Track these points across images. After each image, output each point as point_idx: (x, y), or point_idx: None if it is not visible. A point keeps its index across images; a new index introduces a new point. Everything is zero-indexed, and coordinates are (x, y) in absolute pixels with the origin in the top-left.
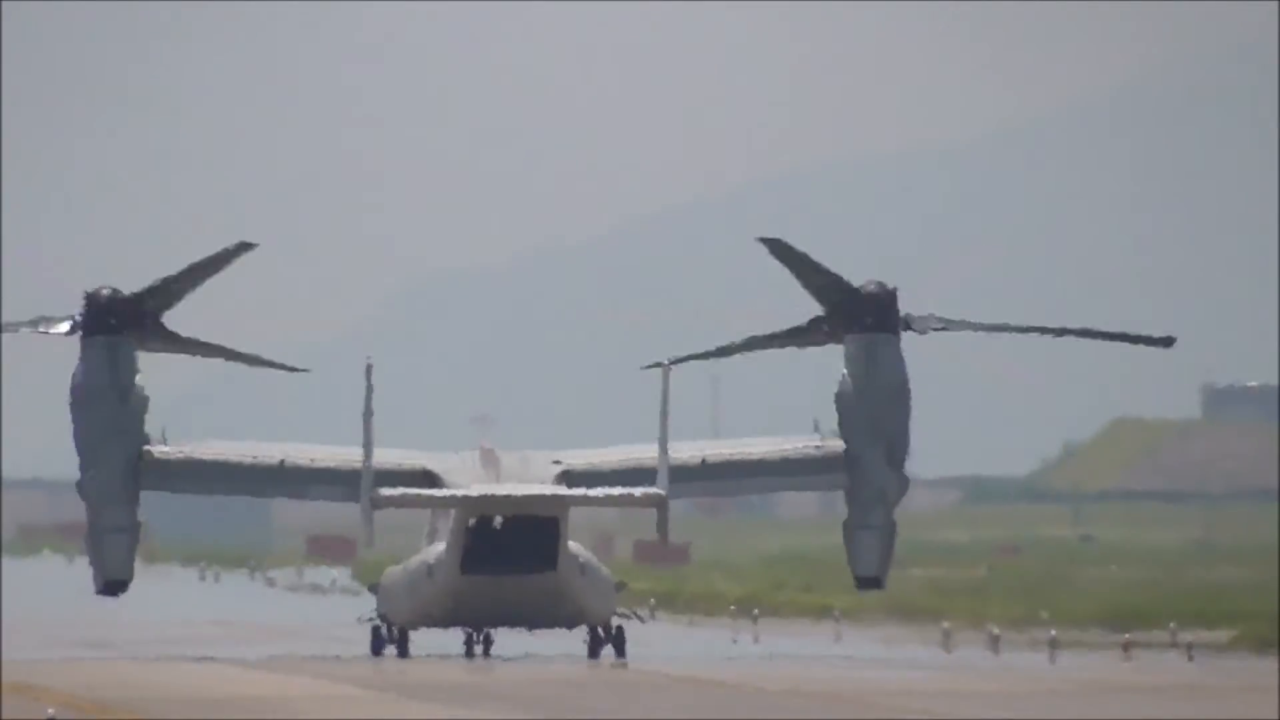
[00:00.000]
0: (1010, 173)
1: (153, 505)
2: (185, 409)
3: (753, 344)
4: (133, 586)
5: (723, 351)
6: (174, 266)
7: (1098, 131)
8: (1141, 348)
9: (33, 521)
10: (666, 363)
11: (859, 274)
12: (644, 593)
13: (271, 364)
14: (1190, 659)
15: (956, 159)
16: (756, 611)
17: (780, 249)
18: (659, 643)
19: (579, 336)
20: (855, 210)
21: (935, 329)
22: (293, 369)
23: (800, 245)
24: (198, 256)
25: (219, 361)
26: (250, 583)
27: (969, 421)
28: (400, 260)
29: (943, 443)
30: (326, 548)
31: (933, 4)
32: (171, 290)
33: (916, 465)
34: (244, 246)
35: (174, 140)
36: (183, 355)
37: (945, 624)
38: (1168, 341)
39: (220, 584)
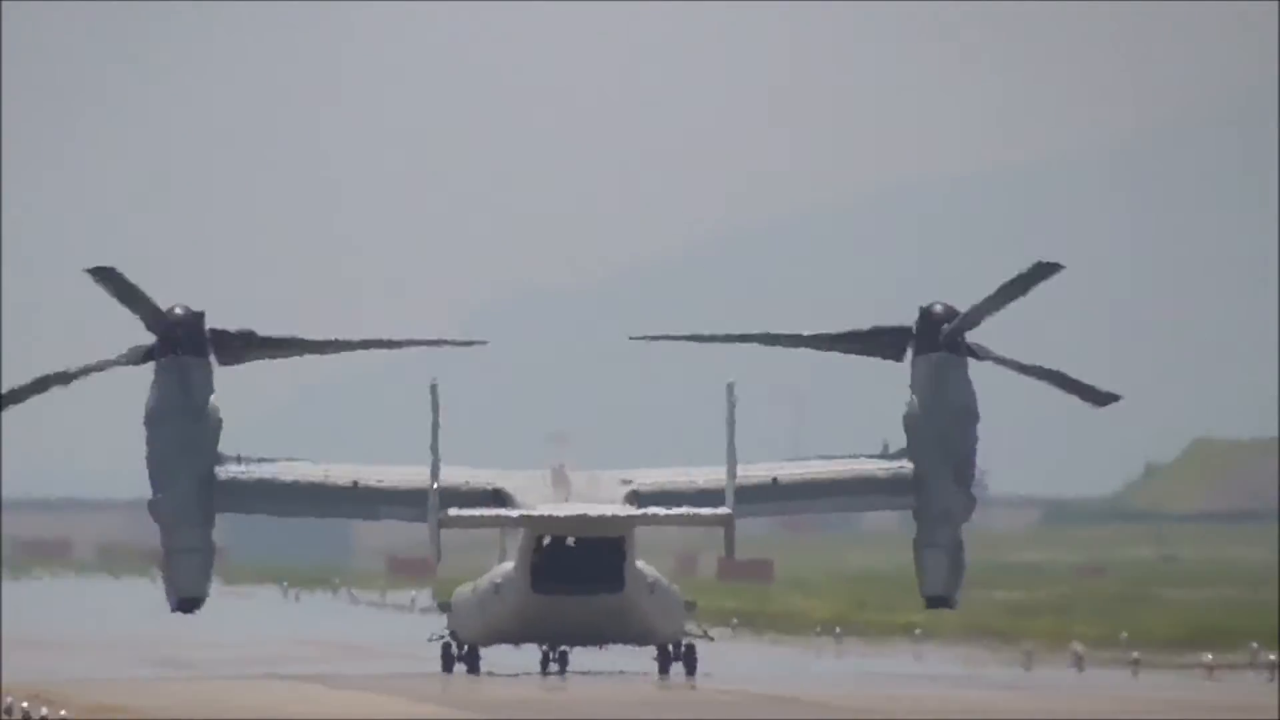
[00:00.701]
0: (1094, 195)
1: (234, 525)
2: (267, 429)
3: (817, 341)
4: (215, 606)
5: (782, 341)
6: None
7: (1163, 157)
8: (1224, 365)
9: (114, 542)
10: (730, 384)
11: (927, 296)
12: (727, 611)
13: (443, 341)
14: (1272, 679)
15: (1031, 181)
16: (839, 630)
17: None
18: (740, 661)
19: (657, 355)
20: (924, 233)
21: (985, 358)
22: (473, 342)
23: (878, 266)
24: (279, 266)
25: (301, 382)
26: (332, 602)
27: (1051, 442)
28: (483, 278)
29: (1025, 464)
30: (408, 567)
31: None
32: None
33: (998, 485)
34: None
35: (253, 145)
36: (269, 371)
37: (1027, 644)
38: (1109, 398)
39: (301, 603)
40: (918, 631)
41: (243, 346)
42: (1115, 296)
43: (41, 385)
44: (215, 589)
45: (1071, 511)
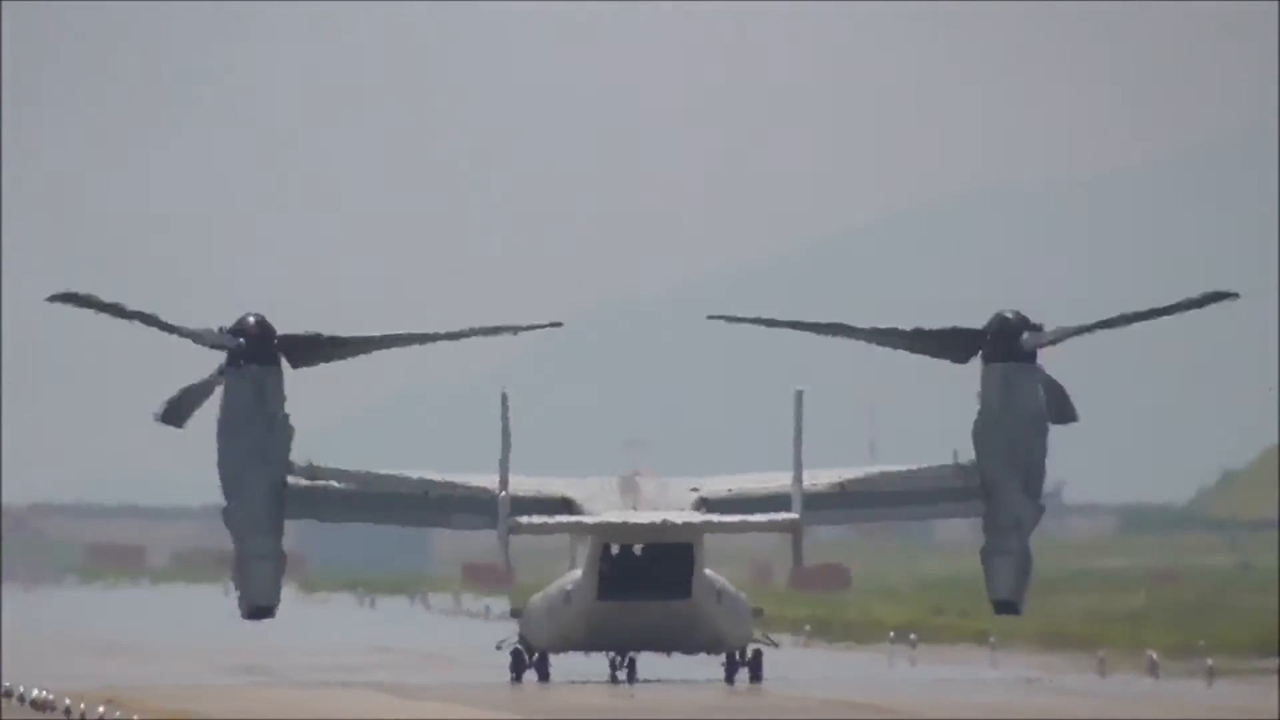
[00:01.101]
0: (1155, 203)
1: (312, 533)
2: (343, 436)
3: (887, 337)
4: (291, 613)
5: (829, 329)
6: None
7: (1235, 162)
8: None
9: (188, 549)
10: (799, 391)
11: (996, 305)
12: (801, 619)
13: (518, 328)
14: None
15: (1095, 190)
16: (914, 637)
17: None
18: (813, 668)
19: (735, 363)
20: (998, 238)
21: (1044, 344)
22: (548, 325)
23: (942, 274)
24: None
25: (381, 391)
26: (407, 609)
27: (1126, 449)
28: (564, 287)
29: (1100, 470)
30: (483, 574)
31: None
32: (343, 347)
33: (1074, 493)
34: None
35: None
36: (347, 381)
37: (1101, 651)
38: (1230, 295)
39: (377, 610)
40: (993, 639)
41: (311, 349)
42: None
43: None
44: (292, 596)
45: (1147, 518)
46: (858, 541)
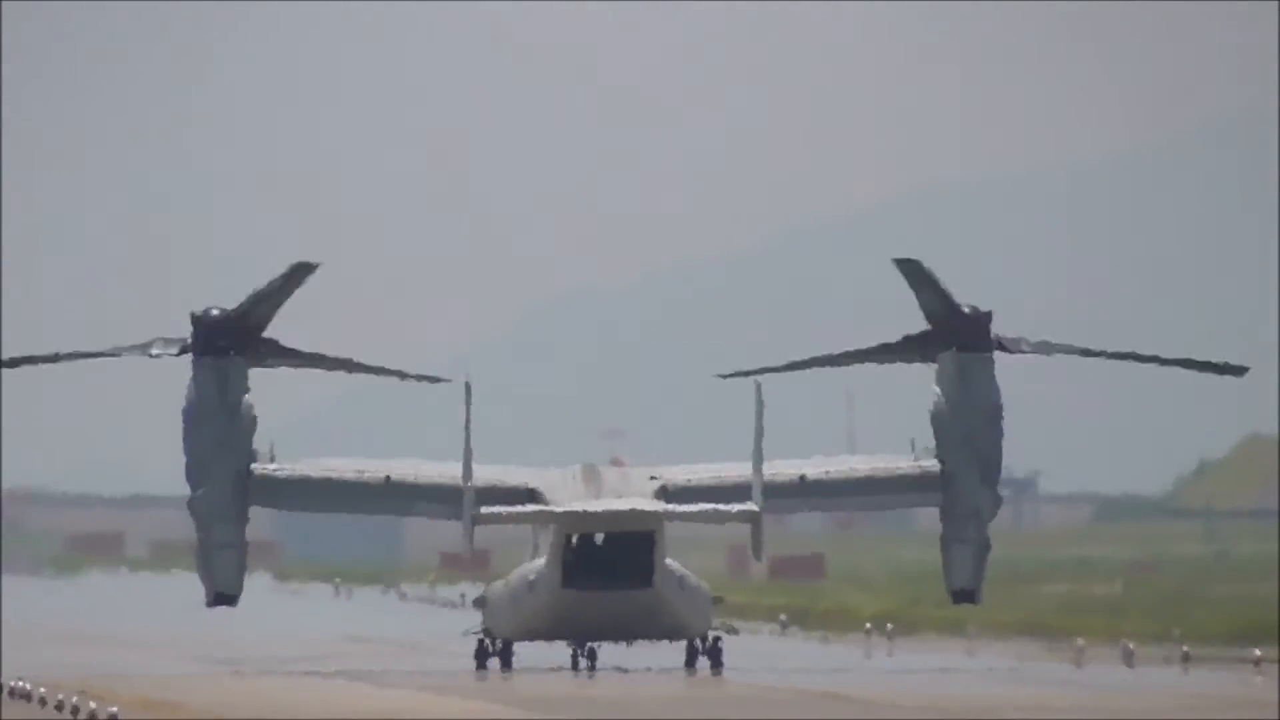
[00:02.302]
0: (1128, 196)
1: (286, 522)
2: (310, 428)
3: (848, 358)
4: (265, 602)
5: (805, 364)
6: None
7: (1212, 155)
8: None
9: (166, 538)
10: (758, 382)
11: (961, 296)
12: (777, 608)
13: (405, 374)
14: None
15: (1072, 181)
16: (890, 627)
17: (912, 270)
18: (792, 658)
19: (709, 352)
20: (959, 231)
21: (1025, 351)
22: (433, 379)
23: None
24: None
25: (346, 381)
26: (382, 599)
27: (1103, 438)
28: (532, 277)
29: (1077, 460)
30: (460, 563)
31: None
32: (257, 310)
33: (1051, 482)
34: (304, 268)
35: (304, 147)
36: (312, 371)
37: (1079, 640)
38: (1239, 370)
39: (352, 600)
40: (970, 628)
41: (267, 353)
42: (1167, 290)
43: (53, 359)
44: (267, 586)
45: (1123, 508)
46: (834, 531)
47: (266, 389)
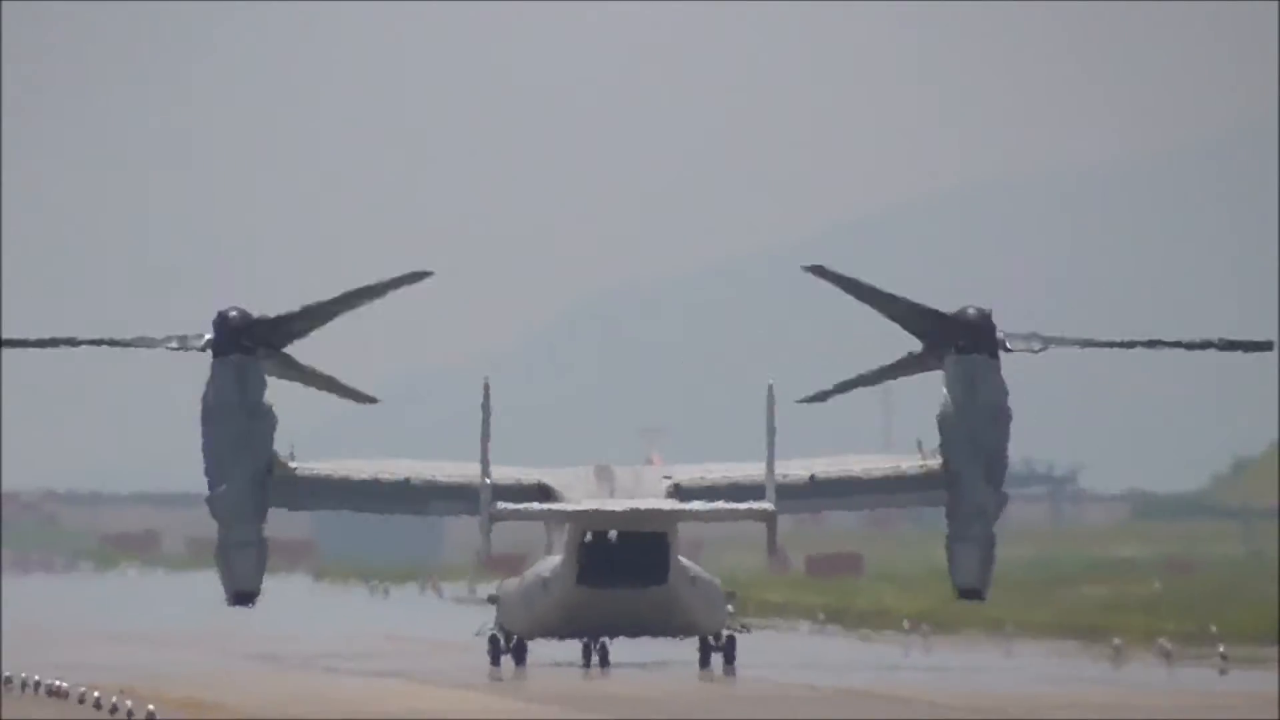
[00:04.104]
0: (1145, 197)
1: (323, 522)
2: (337, 430)
3: (860, 381)
4: (304, 601)
5: (839, 389)
6: (323, 290)
7: (1243, 157)
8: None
9: (203, 536)
10: (770, 382)
11: (970, 297)
12: (815, 606)
13: (358, 396)
14: None
15: (1084, 182)
16: (928, 626)
17: (826, 276)
18: (830, 656)
19: (750, 349)
20: (964, 235)
21: (1037, 349)
22: (368, 399)
23: (955, 261)
24: (368, 278)
25: (373, 381)
26: (420, 598)
27: (1140, 437)
28: (576, 273)
29: (1113, 458)
30: (497, 563)
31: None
32: (300, 324)
33: (1088, 480)
34: (416, 275)
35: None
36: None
37: (1116, 640)
38: (1264, 346)
39: (390, 599)
40: (1008, 627)
41: (282, 331)
42: (1203, 291)
43: (58, 342)
44: (305, 585)
45: (1160, 506)
46: (871, 530)
47: (291, 391)
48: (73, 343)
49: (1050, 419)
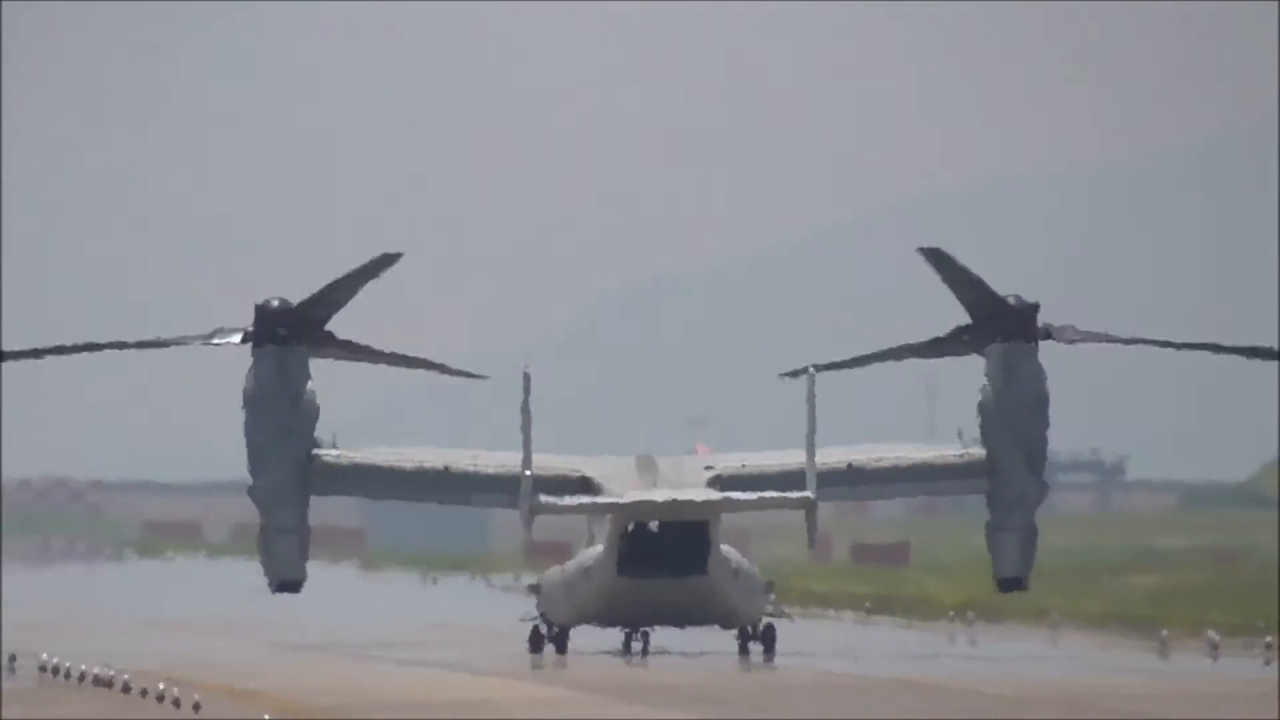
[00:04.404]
0: (1176, 191)
1: (372, 511)
2: (381, 419)
3: (899, 353)
4: (352, 590)
5: (861, 360)
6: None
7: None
8: None
9: (246, 523)
10: (812, 370)
11: (1011, 287)
12: (861, 595)
13: (446, 369)
14: None
15: (1120, 176)
16: (974, 615)
17: (938, 259)
18: (875, 645)
19: (790, 339)
20: (1014, 225)
21: (1075, 339)
22: (473, 375)
23: (972, 256)
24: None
25: (417, 374)
26: (469, 587)
27: (1187, 426)
28: (616, 263)
29: (1161, 448)
30: (545, 552)
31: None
32: (330, 299)
33: (1136, 470)
34: (389, 258)
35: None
36: (381, 364)
37: (1163, 630)
38: (1270, 354)
39: (439, 588)
40: (1053, 617)
41: (325, 343)
42: (1245, 280)
43: (101, 346)
44: (353, 574)
45: (1208, 495)
46: (918, 518)
47: (338, 380)
48: (120, 346)
49: (1098, 409)
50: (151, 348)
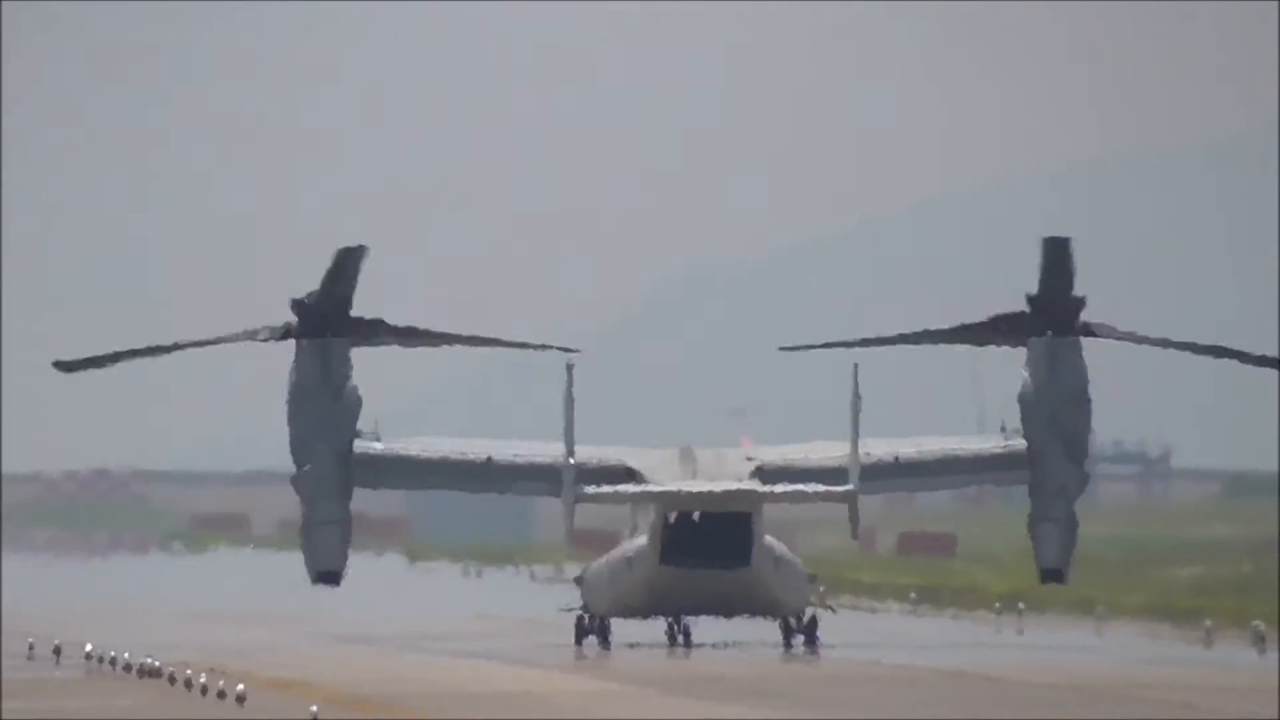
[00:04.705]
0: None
1: (417, 502)
2: (428, 411)
3: (929, 337)
4: (396, 581)
5: (885, 341)
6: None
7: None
8: None
9: (293, 516)
10: (855, 366)
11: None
12: (907, 586)
13: (527, 345)
14: None
15: (1163, 166)
16: (1021, 606)
17: (1056, 249)
18: (924, 635)
19: (834, 329)
20: (1060, 217)
21: (1111, 336)
22: (563, 349)
23: (1019, 244)
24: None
25: (459, 367)
26: (513, 578)
27: (1230, 417)
28: (662, 253)
29: (1204, 438)
30: (589, 542)
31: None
32: (335, 293)
33: (1180, 460)
34: (350, 252)
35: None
36: (429, 356)
37: (1208, 621)
38: (1275, 363)
39: (483, 579)
40: (1099, 608)
41: (374, 332)
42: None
43: (156, 351)
44: (397, 565)
45: (1252, 485)
46: (964, 509)
47: (383, 371)
48: (175, 348)
49: (1142, 400)
50: (199, 346)
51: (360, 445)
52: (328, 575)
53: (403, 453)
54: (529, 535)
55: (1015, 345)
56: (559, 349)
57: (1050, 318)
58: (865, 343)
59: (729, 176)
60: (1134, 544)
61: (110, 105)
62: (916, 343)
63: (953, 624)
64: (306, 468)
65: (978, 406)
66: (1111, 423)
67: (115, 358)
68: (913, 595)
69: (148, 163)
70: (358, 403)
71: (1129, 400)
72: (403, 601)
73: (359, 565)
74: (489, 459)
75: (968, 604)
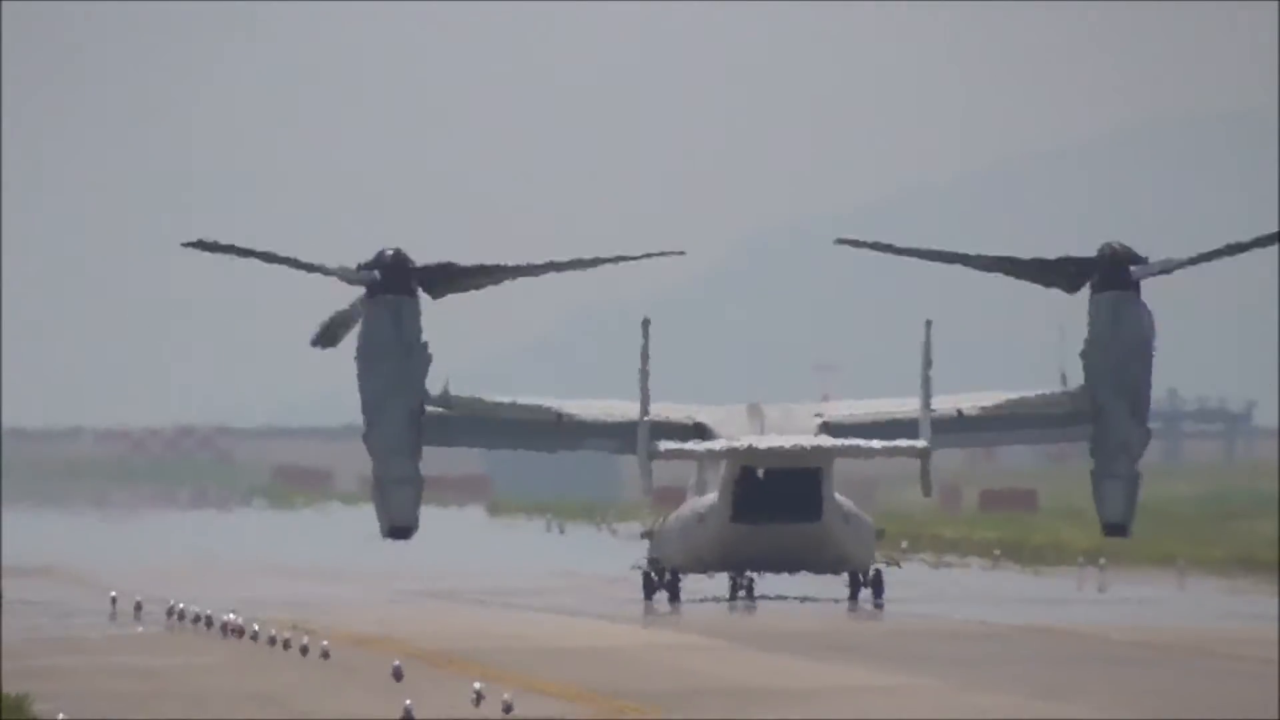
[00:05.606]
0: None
1: (498, 458)
2: (512, 363)
3: (1000, 265)
4: (477, 536)
5: (942, 257)
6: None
7: None
8: None
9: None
10: (928, 322)
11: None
12: (990, 542)
13: (631, 257)
14: None
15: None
16: (1103, 561)
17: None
18: (1006, 591)
19: (912, 287)
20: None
21: (1168, 270)
22: (669, 253)
23: (1065, 212)
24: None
25: (551, 317)
26: (595, 535)
27: None
28: (747, 210)
29: None
30: (668, 499)
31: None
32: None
33: (1262, 416)
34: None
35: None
36: (499, 320)
37: None
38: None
39: (565, 536)
40: (1180, 562)
41: (446, 279)
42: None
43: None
44: (479, 520)
45: None
46: (1046, 464)
47: (454, 330)
48: (266, 256)
49: (1224, 357)
50: (291, 265)
51: (431, 406)
52: (400, 530)
53: (474, 411)
54: (613, 493)
55: (1069, 291)
56: (660, 254)
57: (1115, 272)
58: (927, 254)
59: (813, 136)
60: (1215, 500)
61: (110, 106)
62: (981, 267)
63: (1033, 579)
64: (378, 426)
65: (1059, 362)
66: (1192, 380)
67: (239, 250)
68: (996, 552)
69: (150, 164)
70: (428, 360)
71: (1210, 358)
72: (482, 557)
73: (440, 520)
74: (559, 416)
75: (1050, 560)
